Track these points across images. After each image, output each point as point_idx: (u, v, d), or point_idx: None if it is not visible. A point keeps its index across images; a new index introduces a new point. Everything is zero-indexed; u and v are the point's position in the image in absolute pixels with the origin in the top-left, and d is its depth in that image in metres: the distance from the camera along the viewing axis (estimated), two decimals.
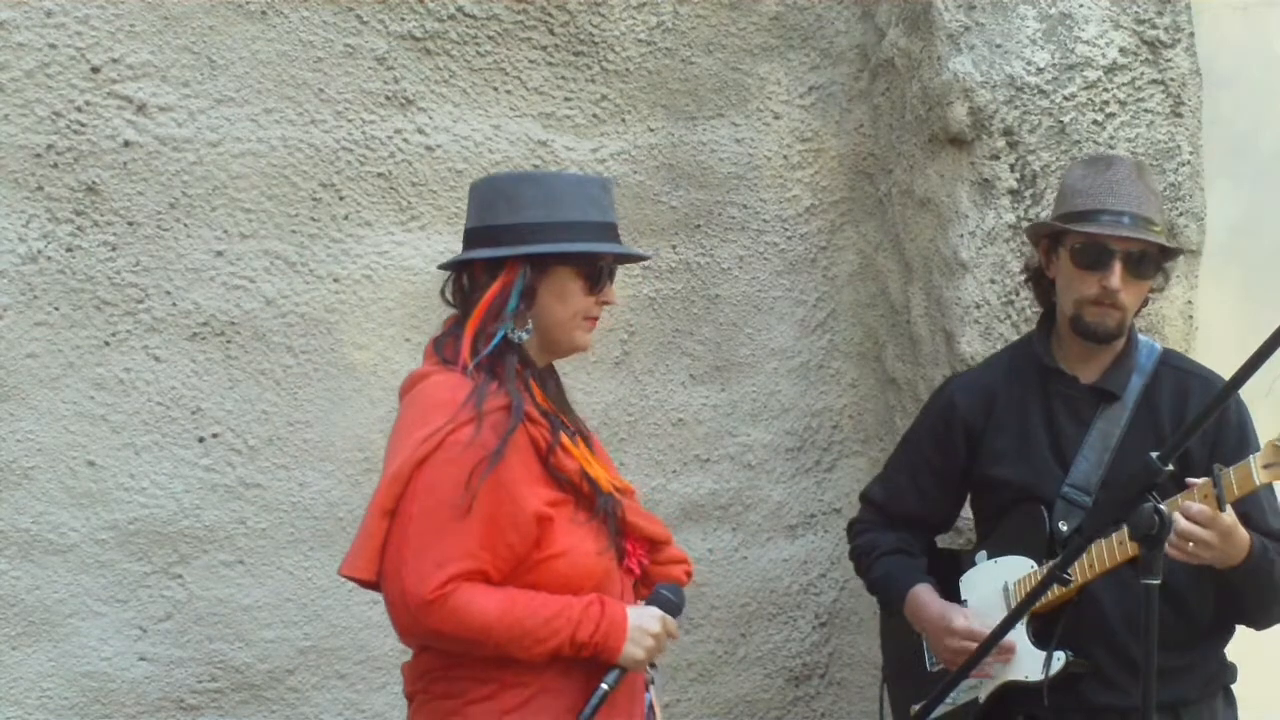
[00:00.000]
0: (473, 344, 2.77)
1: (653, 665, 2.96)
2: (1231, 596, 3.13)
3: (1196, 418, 2.65)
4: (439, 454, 2.67)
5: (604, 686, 2.73)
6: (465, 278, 2.86)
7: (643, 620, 2.77)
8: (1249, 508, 3.06)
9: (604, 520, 2.80)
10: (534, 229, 2.78)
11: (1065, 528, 3.19)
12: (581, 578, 2.76)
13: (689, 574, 2.98)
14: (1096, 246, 3.15)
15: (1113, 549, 3.05)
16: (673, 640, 2.84)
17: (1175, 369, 3.28)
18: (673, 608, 2.83)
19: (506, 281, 2.78)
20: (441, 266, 2.93)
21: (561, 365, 3.00)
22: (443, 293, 2.89)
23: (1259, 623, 3.24)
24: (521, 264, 2.78)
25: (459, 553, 2.65)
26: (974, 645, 3.15)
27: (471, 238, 2.86)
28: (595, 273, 2.84)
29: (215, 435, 3.72)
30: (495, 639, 2.67)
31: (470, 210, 2.89)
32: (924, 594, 3.35)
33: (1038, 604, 3.04)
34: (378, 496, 2.72)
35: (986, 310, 3.94)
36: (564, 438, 2.80)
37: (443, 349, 2.82)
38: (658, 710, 2.97)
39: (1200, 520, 2.91)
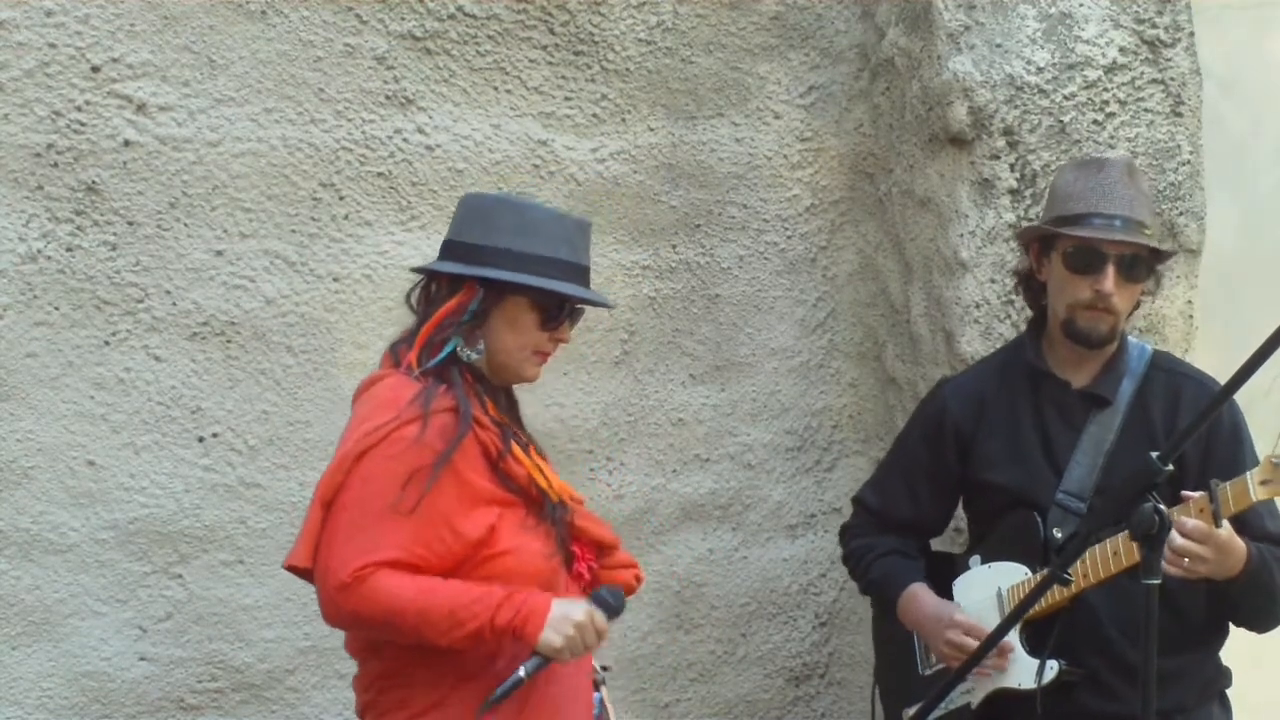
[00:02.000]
0: (420, 350, 2.82)
1: (605, 667, 2.99)
2: (1231, 606, 3.11)
3: (1198, 418, 2.65)
4: (381, 448, 2.71)
5: (520, 673, 2.74)
6: (431, 287, 2.91)
7: (568, 610, 2.76)
8: (1246, 511, 3.03)
9: (552, 525, 2.83)
10: (499, 254, 2.82)
11: (1060, 534, 3.18)
12: (529, 577, 2.77)
13: (639, 579, 2.99)
14: (1089, 250, 3.13)
15: (1107, 558, 3.03)
16: (602, 639, 2.82)
17: (1167, 371, 3.27)
18: (608, 607, 2.83)
19: (463, 300, 2.83)
20: (414, 270, 2.98)
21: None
22: (408, 297, 2.94)
23: (1259, 627, 3.22)
24: (479, 286, 2.83)
25: (387, 543, 2.68)
26: (973, 640, 3.15)
27: (445, 249, 2.91)
28: (553, 310, 2.87)
29: (215, 435, 3.72)
30: (410, 621, 2.68)
31: (453, 221, 2.94)
32: (921, 592, 3.34)
33: (1033, 610, 3.03)
34: (319, 488, 2.76)
35: (986, 310, 3.94)
36: (514, 445, 2.83)
37: (397, 353, 2.88)
38: (610, 710, 2.99)
39: (1196, 536, 2.90)
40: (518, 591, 2.74)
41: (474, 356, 2.84)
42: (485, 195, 3.12)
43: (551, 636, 2.73)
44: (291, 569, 2.81)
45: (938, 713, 3.24)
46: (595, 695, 2.97)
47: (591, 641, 2.79)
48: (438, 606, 2.68)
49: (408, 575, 2.69)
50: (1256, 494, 2.90)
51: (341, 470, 2.73)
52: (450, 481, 2.72)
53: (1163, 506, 2.54)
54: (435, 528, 2.72)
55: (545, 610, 2.73)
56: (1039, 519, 3.20)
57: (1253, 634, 3.26)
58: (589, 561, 2.91)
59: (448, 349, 2.81)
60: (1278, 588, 3.09)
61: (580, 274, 2.89)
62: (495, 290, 2.83)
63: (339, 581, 2.67)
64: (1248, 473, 2.92)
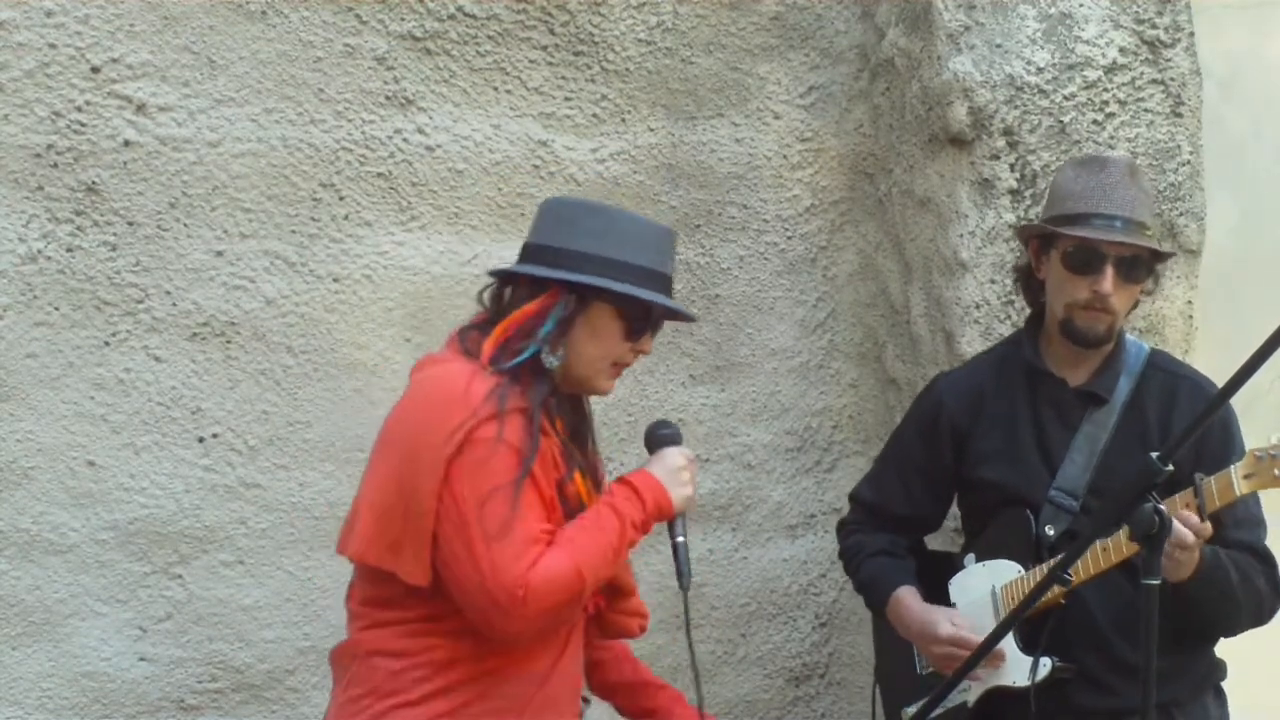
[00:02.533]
0: (497, 348, 2.73)
1: (586, 699, 2.97)
2: (1191, 607, 3.06)
3: (1199, 418, 2.65)
4: (467, 451, 2.63)
5: (680, 539, 2.82)
6: (508, 288, 2.83)
7: (668, 464, 2.81)
8: (1224, 515, 3.04)
9: None
10: (586, 259, 2.75)
11: (1051, 532, 3.19)
12: None
13: (642, 628, 2.97)
14: (1088, 250, 3.13)
15: (1098, 555, 3.03)
16: (695, 465, 2.87)
17: (1163, 371, 3.27)
18: (677, 438, 2.88)
19: (546, 304, 2.75)
20: (491, 273, 2.89)
21: None
22: (480, 296, 2.87)
23: (1224, 631, 3.22)
24: (565, 291, 2.75)
25: (528, 538, 2.63)
26: (962, 652, 3.15)
27: (525, 252, 2.83)
28: (638, 319, 2.81)
29: (215, 435, 3.72)
30: (588, 578, 2.67)
31: (533, 225, 2.87)
32: (907, 598, 3.34)
33: (1021, 603, 3.04)
34: (415, 497, 2.66)
35: (986, 310, 3.94)
36: (576, 472, 2.79)
37: (466, 340, 2.79)
38: None
39: (1200, 533, 2.90)
40: (622, 485, 2.77)
41: (554, 363, 2.75)
42: (568, 200, 3.04)
43: (681, 493, 2.80)
44: (370, 566, 2.74)
45: (935, 713, 3.24)
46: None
47: (694, 469, 2.85)
48: (595, 550, 2.67)
49: (553, 549, 2.65)
50: (1240, 488, 2.90)
51: (437, 479, 2.64)
52: (530, 483, 2.68)
53: (1163, 507, 2.54)
54: (542, 507, 2.69)
55: (659, 482, 2.78)
56: (1031, 516, 3.20)
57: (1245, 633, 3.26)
58: (597, 599, 2.88)
59: (528, 352, 2.72)
60: (1235, 588, 3.08)
61: (666, 283, 2.83)
62: (580, 296, 2.75)
63: (514, 600, 2.61)
64: (1231, 466, 2.92)
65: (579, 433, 2.90)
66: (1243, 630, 3.21)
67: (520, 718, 2.76)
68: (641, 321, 2.81)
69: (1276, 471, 2.87)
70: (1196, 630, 3.16)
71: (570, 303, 2.75)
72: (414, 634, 2.75)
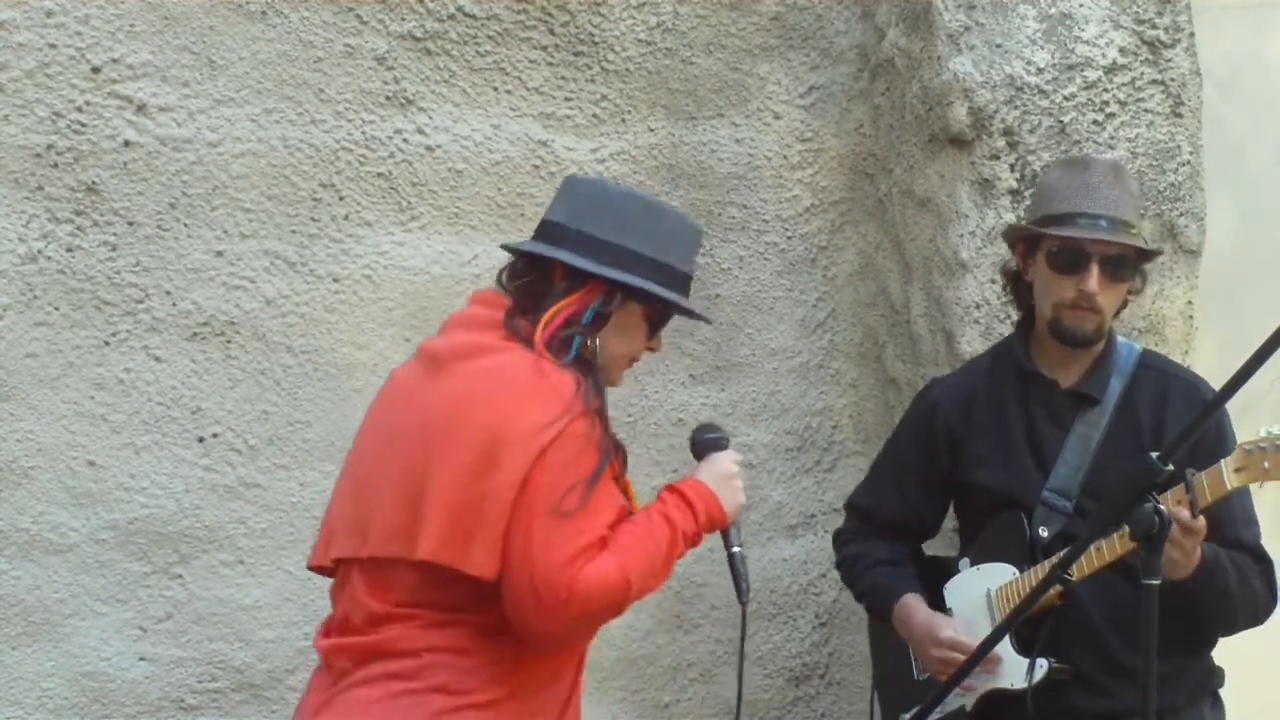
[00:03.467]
0: (551, 337, 2.65)
1: None
2: (1189, 607, 3.06)
3: (1199, 417, 2.65)
4: (559, 445, 2.55)
5: (736, 549, 2.74)
6: (528, 268, 2.74)
7: (718, 471, 2.76)
8: (1219, 514, 3.04)
9: None
10: (637, 259, 2.69)
11: (1045, 533, 3.18)
12: None
13: None
14: (1073, 250, 3.13)
15: (1090, 555, 3.02)
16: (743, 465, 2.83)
17: (1155, 371, 3.26)
18: (724, 443, 2.83)
19: (587, 298, 2.69)
20: (513, 249, 2.79)
21: None
22: (500, 276, 2.77)
23: (1220, 631, 3.21)
24: (607, 288, 2.69)
25: (584, 541, 2.55)
26: (959, 655, 3.15)
27: (556, 233, 2.73)
28: (661, 320, 2.80)
29: (215, 435, 3.72)
30: (635, 584, 2.59)
31: (562, 205, 2.76)
32: (912, 603, 3.34)
33: (1019, 605, 3.03)
34: (496, 486, 2.56)
35: (986, 310, 3.94)
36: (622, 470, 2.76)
37: (516, 325, 2.67)
38: None
39: (1192, 529, 2.90)
40: (673, 493, 2.71)
41: (600, 359, 2.71)
42: (608, 185, 2.90)
43: (734, 501, 2.74)
44: (374, 560, 2.64)
45: (933, 716, 3.24)
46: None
47: (743, 473, 2.80)
48: (644, 558, 2.60)
49: (603, 554, 2.57)
50: (1231, 481, 2.90)
51: (519, 469, 2.54)
52: (607, 482, 2.63)
53: (1163, 507, 2.54)
54: (614, 507, 2.64)
55: (710, 491, 2.72)
56: (1024, 518, 3.20)
57: (1241, 639, 3.25)
58: None
59: (576, 345, 2.66)
60: (1233, 588, 3.08)
61: (688, 284, 2.79)
62: (620, 294, 2.69)
63: (558, 599, 2.53)
64: (1222, 460, 2.92)
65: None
66: (1239, 630, 3.21)
67: None
68: (661, 323, 2.80)
69: (1267, 464, 2.86)
70: (1193, 629, 3.15)
71: (612, 299, 2.69)
72: (485, 633, 2.64)
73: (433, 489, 2.58)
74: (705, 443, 2.83)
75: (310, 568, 2.83)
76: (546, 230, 2.75)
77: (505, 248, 2.84)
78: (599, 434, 2.61)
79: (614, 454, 2.69)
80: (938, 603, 3.34)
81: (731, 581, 2.79)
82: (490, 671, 2.63)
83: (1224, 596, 3.08)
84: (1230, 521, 3.11)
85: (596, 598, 2.55)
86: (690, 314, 2.85)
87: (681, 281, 2.77)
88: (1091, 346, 3.22)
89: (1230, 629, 3.20)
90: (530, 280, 2.73)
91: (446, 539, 2.57)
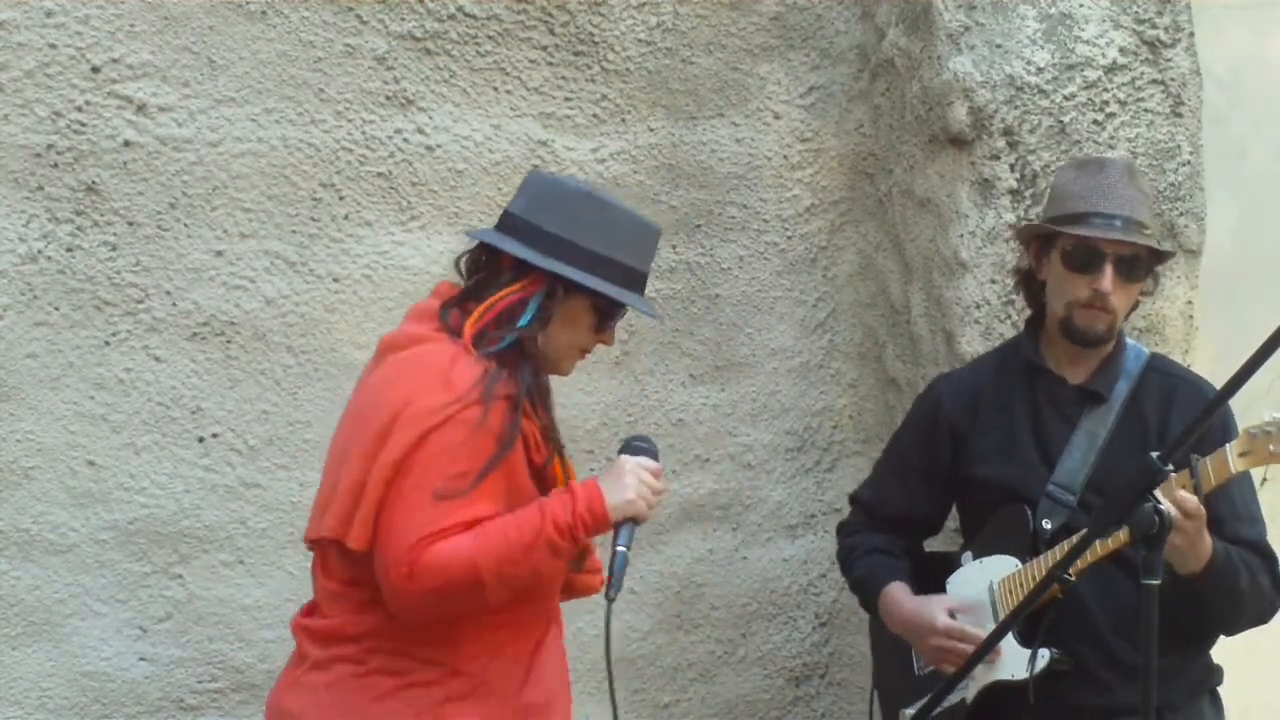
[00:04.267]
0: (477, 331, 2.72)
1: None
2: (1199, 605, 3.08)
3: (1198, 418, 2.66)
4: (444, 430, 2.62)
5: (621, 549, 2.71)
6: (487, 259, 2.81)
7: (616, 472, 2.75)
8: (1223, 511, 3.06)
9: None
10: (577, 252, 2.75)
11: (1049, 526, 3.19)
12: None
13: (601, 583, 2.88)
14: (1088, 249, 3.15)
15: (1093, 547, 3.03)
16: (660, 480, 2.79)
17: (1162, 373, 3.28)
18: (642, 451, 2.80)
19: (529, 290, 2.75)
20: (473, 235, 2.87)
21: None
22: (458, 262, 2.85)
23: (1226, 629, 3.22)
24: (550, 279, 2.75)
25: (444, 523, 2.60)
26: (959, 642, 3.16)
27: (511, 225, 2.80)
28: (608, 314, 2.83)
29: (215, 435, 3.72)
30: (485, 569, 2.61)
31: (520, 197, 2.84)
32: (897, 592, 3.35)
33: (1022, 601, 3.03)
34: (356, 458, 2.66)
35: (986, 310, 3.94)
36: (557, 454, 2.80)
37: (450, 317, 2.76)
38: None
39: (1193, 512, 2.90)
40: (556, 492, 2.71)
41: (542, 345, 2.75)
42: (565, 181, 2.97)
43: (620, 497, 2.71)
44: (318, 541, 2.74)
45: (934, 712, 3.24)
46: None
47: (654, 484, 2.77)
48: (500, 542, 2.61)
49: (457, 535, 2.60)
50: (1235, 465, 2.92)
51: (402, 449, 2.62)
52: (501, 472, 2.66)
53: (1164, 507, 2.54)
54: (489, 509, 2.65)
55: (597, 485, 2.71)
56: (1028, 511, 3.21)
57: (1241, 637, 3.25)
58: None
59: (509, 339, 2.71)
60: (1243, 588, 3.09)
61: (641, 281, 2.84)
62: (565, 287, 2.75)
63: (401, 573, 2.59)
64: (1226, 444, 2.93)
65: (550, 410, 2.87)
66: (1244, 629, 3.22)
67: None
68: (610, 317, 2.84)
69: (1272, 447, 2.87)
70: (1199, 626, 3.16)
71: (555, 292, 2.75)
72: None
73: (344, 470, 2.70)
74: (624, 447, 2.83)
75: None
76: (502, 220, 2.84)
77: (467, 233, 2.91)
78: (499, 422, 2.64)
79: (543, 444, 2.74)
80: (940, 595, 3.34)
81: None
82: (422, 651, 2.71)
83: (1234, 595, 3.09)
84: (1233, 519, 3.11)
85: (438, 574, 2.59)
86: (635, 309, 2.88)
87: (629, 276, 2.80)
88: (1102, 346, 3.23)
89: (1236, 628, 3.21)
90: (480, 269, 2.82)
91: (341, 516, 2.69)
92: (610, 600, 2.71)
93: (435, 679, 2.71)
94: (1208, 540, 2.98)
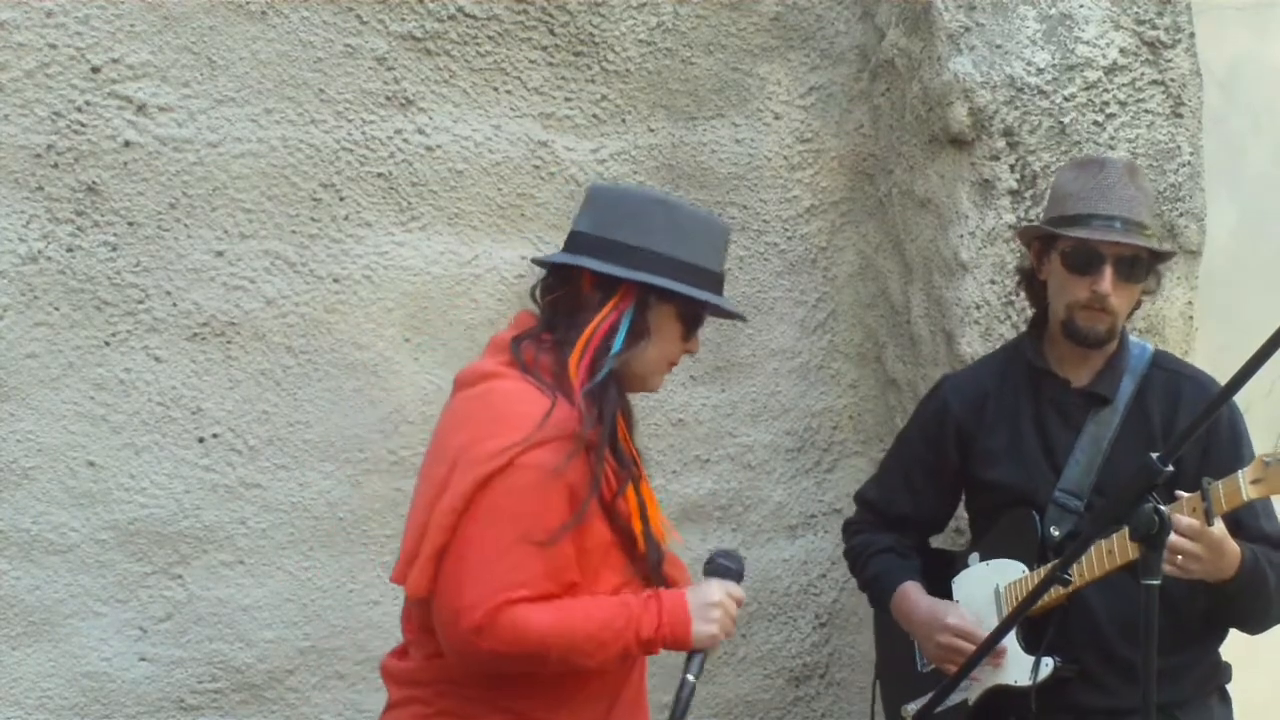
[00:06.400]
0: (588, 371, 2.60)
1: None
2: (1227, 608, 3.11)
3: (1198, 418, 2.65)
4: (509, 474, 2.53)
5: (689, 678, 2.66)
6: (565, 284, 2.70)
7: (705, 596, 2.68)
8: (1240, 512, 3.05)
9: (634, 565, 2.71)
10: (659, 260, 2.65)
11: (1057, 533, 3.19)
12: None
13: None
14: (1087, 251, 3.15)
15: (1103, 557, 3.04)
16: (740, 606, 2.74)
17: (1167, 371, 3.28)
18: (731, 574, 2.74)
19: (621, 307, 2.65)
20: (541, 262, 2.78)
21: None
22: (533, 292, 2.75)
23: (1253, 629, 3.23)
24: (638, 291, 2.64)
25: (519, 579, 2.52)
26: (964, 642, 3.17)
27: (582, 243, 2.69)
28: (695, 321, 2.74)
29: (215, 435, 3.72)
30: (554, 650, 2.56)
31: (585, 214, 2.74)
32: (913, 591, 3.35)
33: (1022, 603, 3.04)
34: (427, 504, 2.58)
35: (986, 310, 3.94)
36: (629, 486, 2.68)
37: (522, 352, 2.65)
38: None
39: (1189, 534, 2.91)
40: (651, 597, 2.65)
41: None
42: (628, 189, 2.87)
43: (705, 628, 2.66)
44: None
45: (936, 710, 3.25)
46: None
47: (734, 614, 2.72)
48: (575, 631, 2.56)
49: (540, 605, 2.54)
50: (1248, 493, 2.91)
51: (463, 496, 2.53)
52: (571, 535, 2.58)
53: (1163, 507, 2.54)
54: (562, 560, 2.58)
55: (686, 608, 2.65)
56: (1037, 517, 3.21)
57: (1249, 635, 3.27)
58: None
59: (608, 366, 2.60)
60: (1272, 590, 3.10)
61: (721, 283, 2.75)
62: (655, 296, 2.65)
63: (473, 624, 2.52)
64: (1239, 471, 2.93)
65: (631, 428, 2.78)
66: (1267, 628, 3.23)
67: None
68: (698, 323, 2.76)
69: None
70: (1222, 624, 3.20)
71: (647, 303, 2.65)
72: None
73: (411, 515, 2.65)
74: (713, 567, 2.77)
75: None
76: (572, 241, 2.73)
77: (535, 261, 2.81)
78: (576, 473, 2.56)
79: (613, 480, 2.64)
80: (944, 595, 3.34)
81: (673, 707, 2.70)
82: (491, 697, 2.65)
83: (1261, 598, 3.10)
84: (1250, 515, 3.12)
85: (510, 642, 2.54)
86: (725, 313, 2.82)
87: (711, 280, 2.72)
88: (1104, 347, 3.23)
89: (1260, 628, 3.23)
90: (560, 294, 2.70)
91: (407, 560, 2.63)
92: None
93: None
94: (1233, 548, 2.98)
